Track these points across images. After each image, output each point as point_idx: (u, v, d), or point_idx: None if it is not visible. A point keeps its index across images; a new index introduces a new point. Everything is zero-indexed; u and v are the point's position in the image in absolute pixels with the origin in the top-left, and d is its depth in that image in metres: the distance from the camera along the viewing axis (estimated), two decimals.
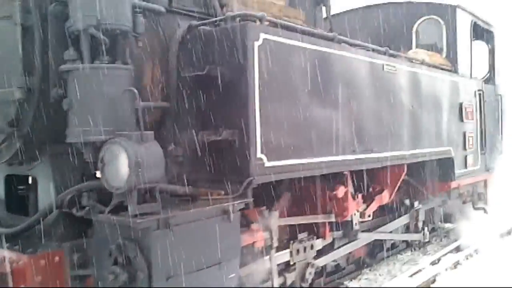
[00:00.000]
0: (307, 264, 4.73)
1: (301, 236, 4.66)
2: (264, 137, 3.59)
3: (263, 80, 3.61)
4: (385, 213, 6.15)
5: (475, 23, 7.39)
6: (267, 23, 3.88)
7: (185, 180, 3.49)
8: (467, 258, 7.17)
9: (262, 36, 3.63)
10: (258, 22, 3.73)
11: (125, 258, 2.93)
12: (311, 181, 4.45)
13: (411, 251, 7.40)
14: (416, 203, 6.53)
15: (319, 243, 4.84)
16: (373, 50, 5.03)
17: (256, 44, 3.58)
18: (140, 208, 2.87)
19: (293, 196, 4.44)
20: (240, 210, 3.50)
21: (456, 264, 6.86)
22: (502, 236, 8.12)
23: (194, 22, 3.88)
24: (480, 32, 8.04)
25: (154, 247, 2.85)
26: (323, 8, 6.13)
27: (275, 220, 4.08)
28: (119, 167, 2.82)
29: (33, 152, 3.36)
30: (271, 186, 4.02)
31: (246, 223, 3.87)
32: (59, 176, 3.40)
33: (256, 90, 3.56)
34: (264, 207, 4.04)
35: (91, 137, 2.96)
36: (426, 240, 6.88)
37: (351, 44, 4.75)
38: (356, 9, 7.61)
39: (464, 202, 7.47)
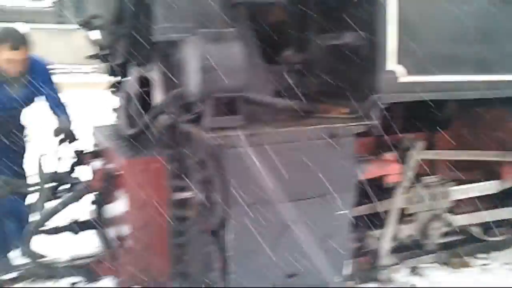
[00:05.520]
0: (435, 217, 3.56)
1: (429, 179, 3.49)
2: (402, 43, 2.70)
3: None
4: None
5: None
6: None
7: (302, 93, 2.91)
8: None
9: None
10: None
11: (205, 176, 2.60)
12: (486, 105, 3.34)
13: None
14: None
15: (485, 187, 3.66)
16: None
17: None
18: (216, 121, 2.44)
19: (457, 123, 3.41)
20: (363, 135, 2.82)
21: None
22: None
23: None
24: None
25: (228, 168, 2.43)
26: None
27: (417, 151, 3.19)
28: (193, 70, 2.40)
29: (141, 52, 3.17)
30: (424, 108, 3.13)
31: (379, 152, 3.14)
32: (166, 79, 3.15)
33: None
34: (405, 134, 3.19)
35: (173, 35, 2.58)
36: None
37: None
38: None
39: None
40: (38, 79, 4.01)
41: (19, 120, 4.27)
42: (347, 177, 2.74)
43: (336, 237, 2.79)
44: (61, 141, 3.88)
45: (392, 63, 2.69)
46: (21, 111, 4.19)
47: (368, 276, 3.41)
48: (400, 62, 2.72)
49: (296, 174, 2.55)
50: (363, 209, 3.19)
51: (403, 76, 2.73)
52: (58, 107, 4.13)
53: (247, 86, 2.44)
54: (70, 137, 3.92)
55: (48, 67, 4.12)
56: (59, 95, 4.19)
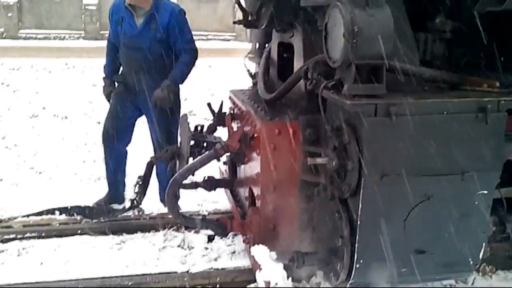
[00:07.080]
0: None
1: None
2: None
3: None
4: None
5: None
6: None
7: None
8: None
9: None
10: None
11: (340, 143, 2.59)
12: None
13: None
14: None
15: None
16: None
17: None
18: (357, 88, 2.40)
19: None
20: None
21: None
22: None
23: None
24: None
25: (366, 136, 2.39)
26: None
27: None
28: (337, 36, 2.38)
29: (285, 18, 3.20)
30: None
31: None
32: (308, 45, 3.17)
33: None
34: None
35: (320, 0, 2.56)
36: None
37: None
38: None
39: None
40: (165, 21, 4.13)
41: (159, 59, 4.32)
42: (492, 155, 2.55)
43: (474, 218, 2.63)
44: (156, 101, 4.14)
45: None
46: (148, 48, 4.22)
47: (507, 263, 3.19)
48: None
49: (436, 148, 2.43)
50: (508, 192, 2.96)
51: None
52: (181, 55, 4.24)
53: (393, 53, 2.37)
54: (164, 100, 4.12)
55: (179, 12, 4.20)
56: (189, 44, 4.29)
